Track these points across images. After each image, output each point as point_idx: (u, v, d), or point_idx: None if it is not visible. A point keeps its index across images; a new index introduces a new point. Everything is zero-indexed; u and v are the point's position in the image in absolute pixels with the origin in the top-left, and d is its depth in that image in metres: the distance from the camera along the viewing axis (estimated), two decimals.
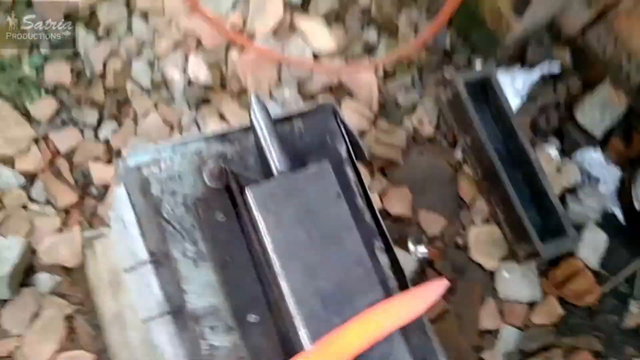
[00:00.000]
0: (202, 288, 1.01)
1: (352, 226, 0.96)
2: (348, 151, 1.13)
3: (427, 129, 1.99)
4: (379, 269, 1.06)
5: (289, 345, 0.96)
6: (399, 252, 1.11)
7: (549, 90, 2.05)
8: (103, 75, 1.89)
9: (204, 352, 0.99)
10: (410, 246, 1.84)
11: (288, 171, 0.98)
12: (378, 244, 1.11)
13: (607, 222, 2.01)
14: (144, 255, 1.03)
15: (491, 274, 1.90)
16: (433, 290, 0.99)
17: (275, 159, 0.98)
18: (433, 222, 1.92)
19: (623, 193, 2.03)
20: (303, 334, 0.91)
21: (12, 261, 1.61)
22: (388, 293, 1.02)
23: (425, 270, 1.87)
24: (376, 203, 1.86)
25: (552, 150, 1.97)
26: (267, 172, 1.02)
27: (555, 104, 2.05)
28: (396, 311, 0.94)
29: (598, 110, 2.01)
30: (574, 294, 1.86)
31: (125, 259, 1.11)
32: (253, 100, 1.00)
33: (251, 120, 1.01)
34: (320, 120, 1.13)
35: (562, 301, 1.90)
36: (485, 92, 1.95)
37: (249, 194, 0.96)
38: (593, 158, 2.01)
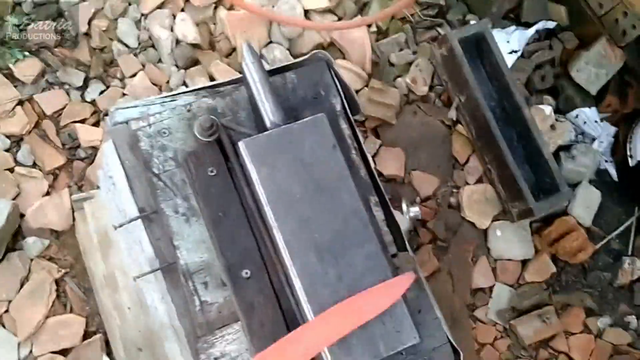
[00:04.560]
0: (194, 244, 0.99)
1: (348, 178, 0.94)
2: (343, 105, 1.11)
3: (421, 88, 1.96)
4: (374, 223, 1.04)
5: (283, 298, 0.95)
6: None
7: (544, 47, 2.03)
8: (88, 35, 1.84)
9: (197, 308, 0.98)
10: (404, 206, 1.82)
11: (282, 123, 0.96)
12: (373, 199, 1.10)
13: (600, 179, 2.01)
14: (134, 211, 1.01)
15: (484, 233, 1.90)
16: (400, 285, 0.97)
17: (268, 110, 0.96)
18: (426, 182, 1.91)
19: (617, 150, 2.03)
20: (298, 286, 0.90)
21: None
22: (384, 246, 1.01)
23: (418, 230, 1.86)
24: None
25: (546, 108, 1.95)
26: (260, 125, 1.00)
27: (550, 61, 2.03)
28: (364, 306, 0.92)
29: (593, 67, 1.99)
30: (566, 251, 1.86)
31: (115, 217, 1.09)
32: (245, 49, 0.97)
33: (243, 71, 0.98)
34: (313, 72, 1.10)
35: (555, 259, 1.91)
36: (480, 50, 1.92)
37: (242, 148, 0.94)
38: (587, 115, 1.99)
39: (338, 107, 1.10)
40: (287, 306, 0.96)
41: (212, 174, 0.98)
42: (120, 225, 1.01)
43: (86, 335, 1.63)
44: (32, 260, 1.66)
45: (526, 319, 1.85)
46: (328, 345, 0.89)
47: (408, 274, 1.01)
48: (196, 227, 1.00)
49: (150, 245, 1.00)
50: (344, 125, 1.10)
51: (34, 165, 1.73)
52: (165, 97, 1.05)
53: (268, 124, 0.96)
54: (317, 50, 1.09)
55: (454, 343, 1.04)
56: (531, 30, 2.00)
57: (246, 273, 0.95)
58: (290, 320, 0.95)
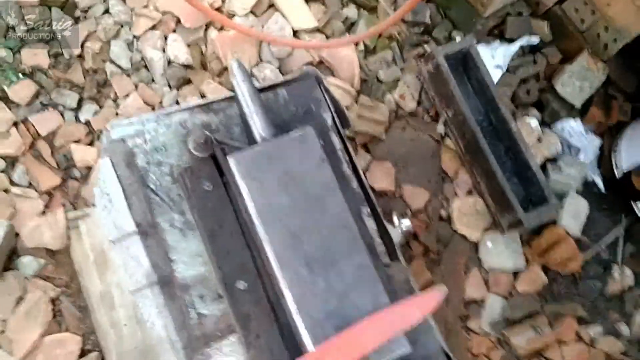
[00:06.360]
0: (190, 257, 1.01)
1: (336, 190, 0.97)
2: (333, 119, 1.13)
3: (409, 104, 2.00)
4: (365, 233, 1.06)
5: (279, 310, 0.97)
6: None
7: (528, 62, 2.07)
8: (81, 57, 1.87)
9: (193, 321, 0.99)
10: (395, 219, 1.85)
11: (271, 137, 0.99)
12: (365, 210, 1.12)
13: (587, 190, 2.04)
14: (130, 226, 1.03)
15: (475, 245, 1.93)
16: (431, 299, 0.99)
17: (258, 125, 0.98)
18: (417, 196, 1.94)
19: (603, 161, 2.07)
20: (288, 297, 0.91)
21: None
22: (375, 256, 1.03)
23: (410, 243, 1.88)
24: None
25: (532, 121, 1.99)
26: (252, 140, 1.02)
27: (535, 76, 2.07)
28: (394, 320, 0.94)
29: (577, 81, 2.03)
30: (557, 261, 1.89)
31: (111, 234, 1.11)
32: (234, 66, 0.99)
33: (234, 87, 1.00)
34: (304, 88, 1.13)
35: (546, 269, 1.94)
36: (466, 65, 1.96)
37: (231, 161, 0.96)
38: (573, 128, 2.04)
39: (329, 121, 1.13)
40: (282, 317, 0.97)
41: (208, 188, 1.00)
42: (117, 240, 1.03)
43: (82, 353, 1.63)
44: (27, 279, 1.67)
45: (519, 330, 1.87)
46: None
47: (438, 290, 1.01)
48: (192, 241, 1.02)
49: (147, 259, 1.02)
50: (335, 139, 1.13)
51: (29, 185, 1.74)
52: (161, 114, 1.07)
53: (258, 138, 0.98)
54: (306, 66, 1.12)
55: (447, 351, 1.06)
56: (515, 46, 2.05)
57: (242, 285, 0.97)
58: (286, 331, 0.97)
